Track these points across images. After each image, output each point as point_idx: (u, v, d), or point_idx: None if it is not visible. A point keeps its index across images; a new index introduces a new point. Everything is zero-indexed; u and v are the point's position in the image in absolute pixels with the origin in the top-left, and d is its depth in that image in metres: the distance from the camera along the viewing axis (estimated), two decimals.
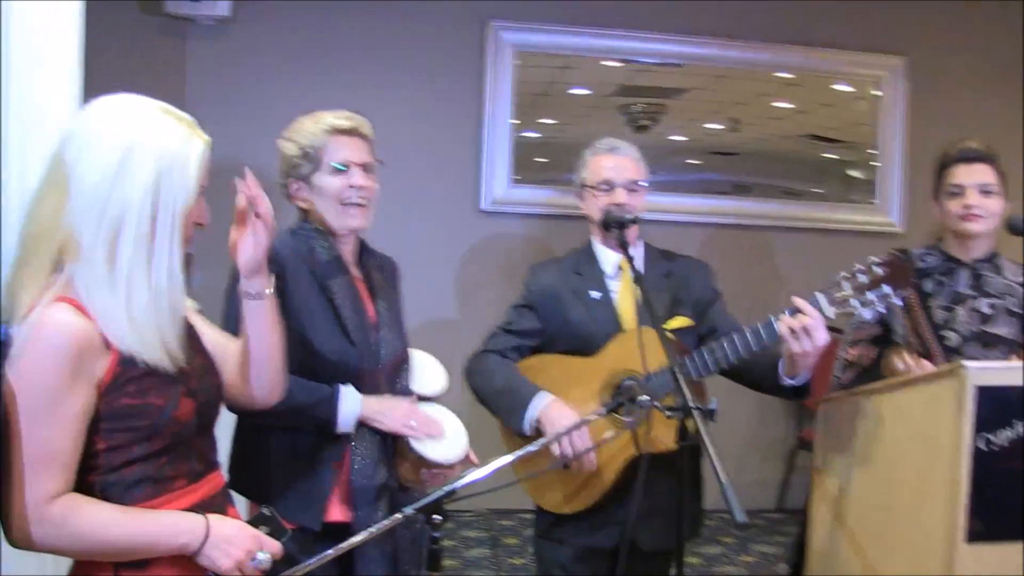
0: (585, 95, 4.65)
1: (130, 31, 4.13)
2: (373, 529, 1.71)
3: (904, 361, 2.36)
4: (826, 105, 4.86)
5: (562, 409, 2.34)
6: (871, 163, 4.84)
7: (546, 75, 4.58)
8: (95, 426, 1.46)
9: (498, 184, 4.47)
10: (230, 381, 1.73)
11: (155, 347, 1.49)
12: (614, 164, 2.51)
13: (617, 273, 2.52)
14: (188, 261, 1.59)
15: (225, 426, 2.31)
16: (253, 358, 1.71)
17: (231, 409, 2.11)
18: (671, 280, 2.52)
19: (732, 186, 4.77)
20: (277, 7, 4.27)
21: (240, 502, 2.23)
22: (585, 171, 2.55)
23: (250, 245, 1.64)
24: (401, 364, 2.24)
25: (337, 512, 2.09)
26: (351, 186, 2.14)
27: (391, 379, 2.21)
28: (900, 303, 2.22)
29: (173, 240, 1.50)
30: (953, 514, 2.00)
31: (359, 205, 2.16)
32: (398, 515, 1.68)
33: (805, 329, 2.12)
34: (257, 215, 1.63)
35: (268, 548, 1.57)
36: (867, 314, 2.15)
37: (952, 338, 2.46)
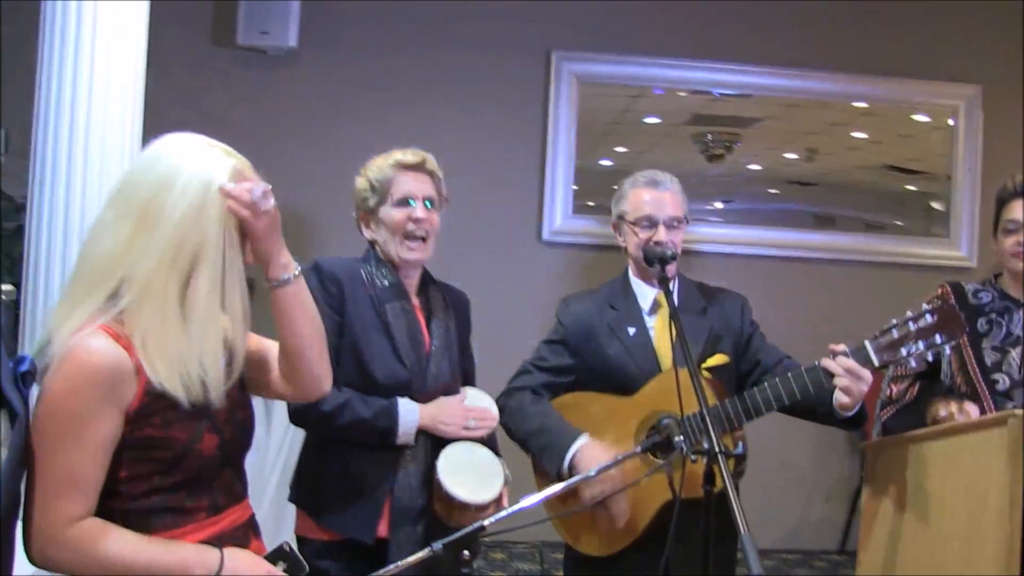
0: (657, 124, 4.64)
1: (203, 63, 4.29)
2: (402, 563, 1.73)
3: (948, 409, 2.28)
4: (904, 136, 4.75)
5: (596, 451, 2.32)
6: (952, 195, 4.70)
7: (620, 104, 4.58)
8: (119, 453, 1.49)
9: (559, 214, 4.49)
10: (276, 383, 1.76)
11: (214, 382, 1.53)
12: (655, 199, 2.45)
13: (654, 308, 2.49)
14: (251, 286, 1.64)
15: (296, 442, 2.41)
16: (290, 348, 1.71)
17: (295, 422, 2.22)
18: (708, 315, 2.48)
19: (814, 217, 4.69)
20: (344, 38, 4.37)
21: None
22: (624, 204, 2.50)
23: (258, 235, 1.63)
24: (448, 393, 2.28)
25: (382, 528, 2.17)
26: (412, 219, 2.25)
27: None
28: (949, 352, 2.16)
29: (239, 272, 1.57)
30: (1007, 567, 1.92)
31: (419, 238, 2.26)
32: (427, 549, 1.70)
33: (850, 371, 2.09)
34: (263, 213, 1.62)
35: None
36: (914, 363, 2.10)
37: (1002, 381, 2.36)
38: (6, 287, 2.47)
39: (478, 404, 2.31)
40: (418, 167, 2.30)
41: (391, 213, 2.26)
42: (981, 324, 2.42)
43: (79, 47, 2.67)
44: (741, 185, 4.63)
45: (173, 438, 1.52)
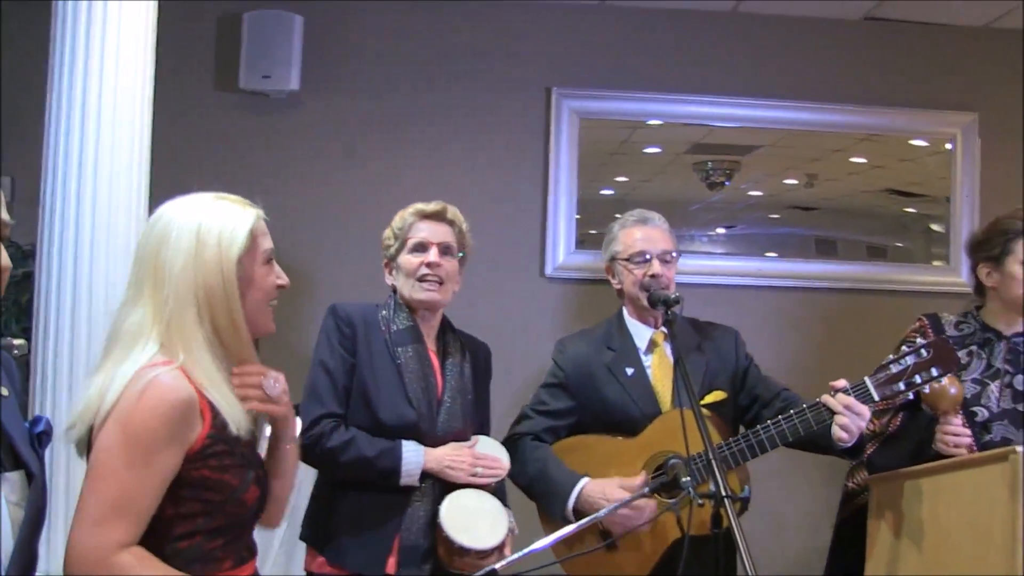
0: (658, 153, 4.69)
1: (206, 107, 4.34)
2: None
3: (940, 383, 2.26)
4: (903, 160, 4.80)
5: (602, 486, 2.34)
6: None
7: (620, 134, 4.62)
8: (172, 491, 1.54)
9: (562, 250, 4.52)
10: None
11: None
12: (646, 236, 2.52)
13: (651, 348, 2.52)
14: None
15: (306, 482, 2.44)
16: (275, 489, 1.79)
17: (302, 459, 2.24)
18: (703, 352, 2.51)
19: (816, 241, 4.73)
20: (345, 81, 4.42)
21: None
22: (616, 244, 2.55)
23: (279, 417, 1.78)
24: (459, 439, 2.31)
25: (391, 565, 2.23)
26: (425, 264, 2.34)
27: None
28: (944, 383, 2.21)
29: (239, 308, 1.64)
30: None
31: (435, 281, 2.34)
32: None
33: (849, 407, 2.13)
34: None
35: None
36: (912, 396, 2.14)
37: (980, 413, 2.39)
38: (17, 341, 2.50)
39: (489, 452, 2.33)
40: (436, 215, 2.39)
41: (407, 258, 2.36)
42: (962, 356, 2.45)
43: (86, 94, 2.72)
44: (743, 211, 4.67)
45: (225, 482, 1.59)
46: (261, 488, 1.67)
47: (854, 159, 4.74)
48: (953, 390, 2.25)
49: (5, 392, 1.44)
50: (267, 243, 1.71)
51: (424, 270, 2.33)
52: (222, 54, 4.36)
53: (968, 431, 2.30)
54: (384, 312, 2.37)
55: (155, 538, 1.55)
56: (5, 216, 1.32)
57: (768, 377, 2.57)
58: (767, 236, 4.69)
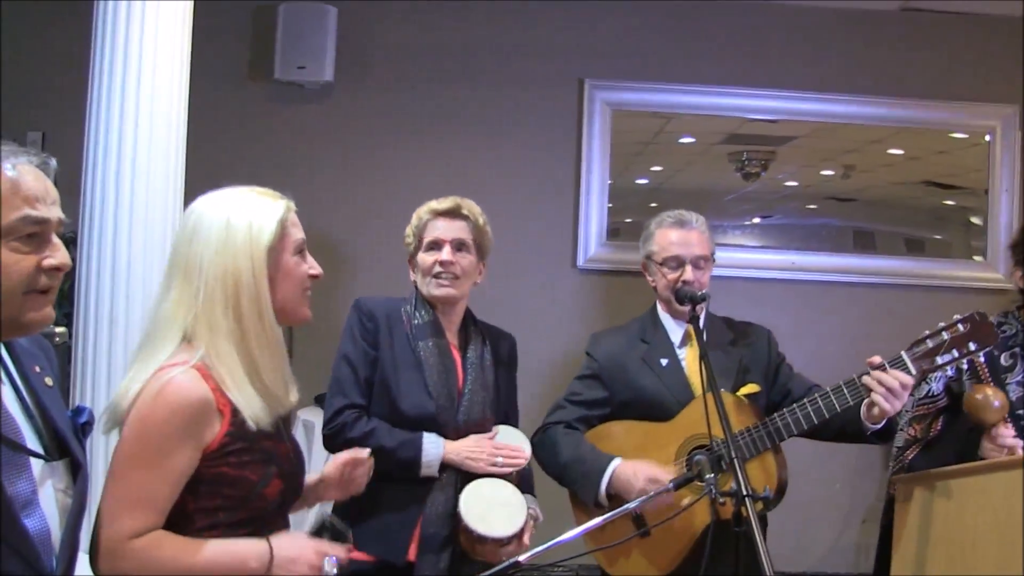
0: (692, 143, 4.68)
1: (241, 98, 4.39)
2: None
3: (984, 393, 2.24)
4: (941, 152, 4.74)
5: (634, 465, 2.35)
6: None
7: (654, 124, 4.62)
8: (192, 486, 1.59)
9: (593, 241, 4.53)
10: None
11: (279, 398, 1.65)
12: (681, 239, 2.51)
13: (684, 341, 2.53)
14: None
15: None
16: None
17: (327, 448, 2.34)
18: (737, 348, 2.52)
19: (853, 233, 4.70)
20: (379, 72, 4.45)
21: None
22: (652, 244, 2.55)
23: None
24: (480, 430, 2.33)
25: (411, 552, 2.27)
26: (439, 262, 2.37)
27: None
28: (984, 360, 2.19)
29: (268, 298, 1.66)
30: None
31: (447, 277, 2.36)
32: None
33: (902, 386, 2.12)
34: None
35: (334, 555, 1.69)
36: (951, 371, 2.13)
37: None
38: (59, 328, 2.55)
39: (510, 442, 2.36)
40: (450, 212, 2.42)
41: (423, 257, 2.41)
42: (1004, 358, 2.41)
43: (125, 86, 2.77)
44: (779, 202, 4.65)
45: (245, 478, 1.62)
46: (286, 480, 1.69)
47: (891, 151, 4.70)
48: (997, 403, 2.21)
49: (50, 382, 1.48)
50: (298, 233, 1.73)
51: (438, 268, 2.38)
52: (257, 45, 4.41)
53: (1019, 439, 2.24)
54: (407, 307, 2.42)
55: (180, 529, 1.60)
56: (60, 214, 1.36)
57: (800, 375, 2.58)
58: (803, 227, 4.67)
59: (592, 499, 2.40)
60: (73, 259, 3.11)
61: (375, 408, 2.32)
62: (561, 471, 2.48)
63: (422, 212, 2.45)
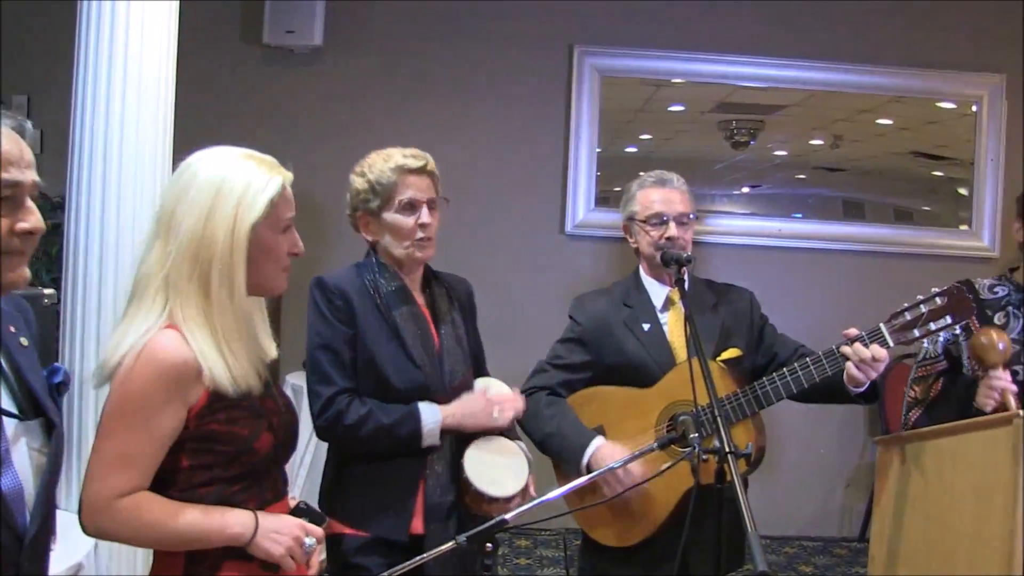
0: (682, 112, 4.68)
1: (230, 61, 4.38)
2: (427, 555, 1.81)
3: (989, 335, 2.25)
4: (930, 122, 4.76)
5: (611, 450, 2.38)
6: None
7: (644, 92, 4.62)
8: (183, 445, 1.60)
9: (582, 207, 4.54)
10: None
11: (246, 368, 1.63)
12: (664, 197, 2.50)
13: (666, 305, 2.55)
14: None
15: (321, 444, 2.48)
16: None
17: (322, 438, 2.27)
18: (719, 311, 2.53)
19: (843, 203, 4.73)
20: (368, 36, 4.44)
21: None
22: (634, 204, 2.54)
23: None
24: (467, 389, 2.32)
25: (417, 525, 2.20)
26: (419, 224, 2.23)
27: None
28: (961, 333, 2.23)
29: (243, 276, 1.63)
30: (1008, 567, 1.95)
31: (427, 240, 2.26)
32: (452, 543, 1.77)
33: (875, 359, 2.16)
34: None
35: (313, 533, 1.72)
36: (927, 344, 2.16)
37: (1021, 372, 2.39)
38: (48, 291, 2.55)
39: (500, 392, 2.33)
40: (421, 171, 2.26)
41: (397, 219, 2.23)
42: (998, 318, 2.44)
43: (113, 48, 2.74)
44: (768, 171, 4.67)
45: (235, 434, 1.63)
46: (276, 434, 1.69)
47: (880, 121, 4.71)
48: (1002, 345, 2.23)
49: (25, 342, 1.48)
50: (287, 212, 1.69)
51: (420, 232, 2.22)
52: (247, 9, 4.40)
53: (1013, 385, 2.27)
54: (368, 276, 2.25)
55: (177, 487, 1.62)
56: (36, 177, 1.35)
57: (785, 336, 2.59)
58: (792, 196, 4.70)
59: (573, 472, 2.40)
60: (61, 223, 3.13)
61: (363, 387, 2.21)
62: (543, 441, 2.48)
63: (385, 168, 2.23)
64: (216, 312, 1.60)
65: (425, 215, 2.24)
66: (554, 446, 2.47)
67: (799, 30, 4.56)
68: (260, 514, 1.66)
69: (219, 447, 1.62)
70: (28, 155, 1.35)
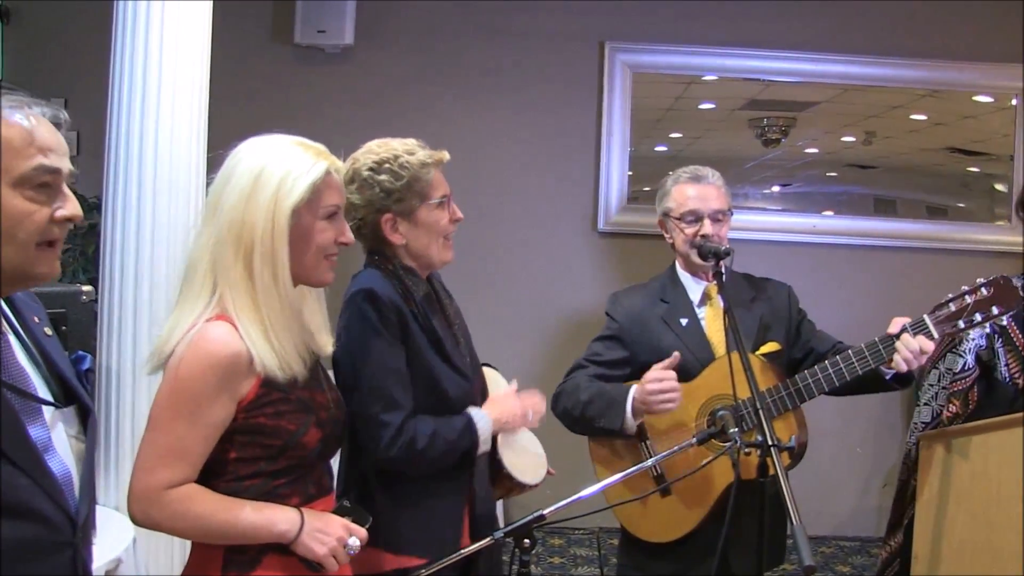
0: (712, 109, 4.64)
1: (262, 61, 4.40)
2: (464, 552, 1.80)
3: None
4: (966, 117, 4.68)
5: (653, 376, 2.33)
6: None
7: (674, 90, 4.59)
8: (231, 437, 1.61)
9: (614, 204, 4.52)
10: None
11: (291, 355, 1.62)
12: (698, 194, 2.48)
13: (704, 300, 2.52)
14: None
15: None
16: None
17: (388, 466, 2.03)
18: (757, 305, 2.51)
19: (875, 201, 4.66)
20: (399, 34, 4.45)
21: None
22: (669, 200, 2.53)
23: None
24: (482, 381, 2.29)
25: (465, 540, 2.09)
26: (453, 219, 2.12)
27: (484, 396, 2.26)
28: (996, 336, 2.20)
29: (286, 260, 1.63)
30: None
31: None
32: (489, 538, 1.77)
33: (922, 351, 2.14)
34: None
35: (356, 534, 1.71)
36: (972, 334, 2.13)
37: None
38: (86, 288, 2.58)
39: (500, 386, 2.31)
40: (440, 164, 2.12)
41: (437, 215, 2.08)
42: None
43: (148, 50, 2.77)
44: (799, 169, 4.62)
45: (283, 428, 1.63)
46: (325, 429, 1.69)
47: (914, 116, 4.64)
48: None
49: (49, 331, 1.49)
50: (332, 198, 1.67)
51: (452, 228, 2.10)
52: (278, 9, 4.42)
53: None
54: (397, 283, 2.05)
55: (223, 478, 1.63)
56: (71, 167, 1.36)
57: (823, 332, 2.57)
58: (824, 194, 4.64)
59: (619, 424, 2.36)
60: (97, 223, 3.15)
61: (420, 400, 2.04)
62: (584, 407, 2.44)
63: (414, 161, 2.05)
64: (261, 297, 1.60)
65: (456, 210, 2.14)
66: (593, 409, 2.42)
67: (831, 23, 4.50)
68: (306, 512, 1.67)
69: (266, 440, 1.63)
70: (63, 143, 1.37)
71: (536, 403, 2.25)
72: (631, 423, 2.37)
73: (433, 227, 2.09)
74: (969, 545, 2.19)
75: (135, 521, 1.60)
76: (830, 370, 2.30)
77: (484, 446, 2.11)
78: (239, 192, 1.61)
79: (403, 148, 2.09)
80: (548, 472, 2.28)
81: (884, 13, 4.51)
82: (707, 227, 2.45)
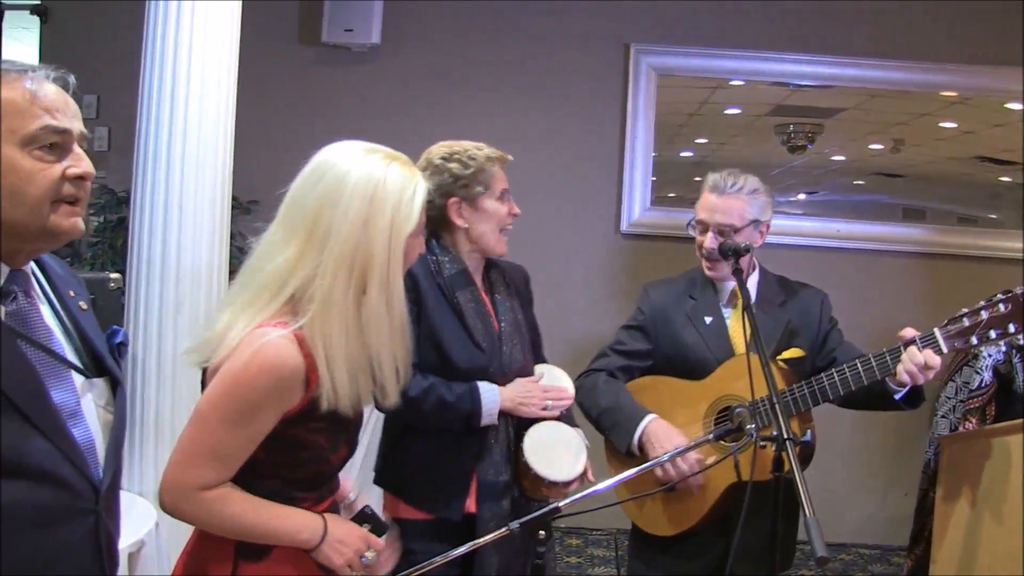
0: (738, 115, 4.63)
1: (289, 60, 4.46)
2: (480, 541, 1.82)
3: None
4: (996, 125, 4.62)
5: (666, 429, 2.38)
6: None
7: (699, 95, 4.58)
8: (265, 442, 1.60)
9: (637, 206, 4.53)
10: None
11: (363, 395, 1.61)
12: (710, 205, 2.46)
13: (731, 300, 2.53)
14: None
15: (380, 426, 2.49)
16: None
17: (383, 410, 2.22)
18: (787, 309, 2.50)
19: (903, 210, 4.61)
20: (425, 34, 4.48)
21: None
22: (697, 205, 2.54)
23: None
24: (523, 373, 2.36)
25: (470, 504, 2.26)
26: (511, 213, 2.35)
27: None
28: (1015, 351, 2.15)
29: (401, 282, 1.62)
30: None
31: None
32: (505, 528, 1.78)
33: (927, 366, 2.10)
34: None
35: (374, 546, 1.73)
36: (985, 351, 2.09)
37: None
38: (114, 275, 2.63)
39: (555, 383, 2.38)
40: (503, 163, 2.37)
41: (497, 206, 2.32)
42: None
43: (177, 49, 2.82)
44: (825, 176, 4.58)
45: (316, 443, 1.64)
46: (350, 446, 1.72)
47: (943, 124, 4.59)
48: None
49: (84, 306, 1.51)
50: (424, 216, 1.67)
51: (510, 220, 2.35)
52: (306, 8, 4.46)
53: None
54: (430, 257, 2.31)
55: (242, 475, 1.62)
56: (83, 128, 1.38)
57: (849, 343, 2.54)
58: (850, 203, 4.60)
59: (624, 447, 2.43)
60: (126, 217, 3.21)
61: (425, 363, 2.25)
62: (599, 416, 2.51)
63: (481, 156, 2.31)
64: (373, 329, 1.58)
65: (514, 205, 2.37)
66: (607, 421, 2.49)
67: (858, 27, 4.47)
68: (329, 521, 1.67)
69: (299, 452, 1.63)
70: (73, 105, 1.39)
71: (558, 393, 2.29)
72: (635, 449, 2.43)
73: (493, 216, 2.33)
74: (988, 547, 2.17)
75: (164, 509, 1.60)
76: (836, 377, 2.26)
77: (488, 418, 2.24)
78: (353, 218, 1.56)
79: (472, 144, 2.36)
80: (585, 474, 2.28)
81: (912, 17, 4.47)
82: (708, 240, 2.45)
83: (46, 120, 1.33)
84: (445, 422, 2.24)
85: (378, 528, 1.77)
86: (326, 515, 1.68)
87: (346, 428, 1.69)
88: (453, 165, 2.30)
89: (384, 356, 1.61)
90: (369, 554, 1.71)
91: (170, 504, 1.59)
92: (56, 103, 1.35)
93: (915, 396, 2.25)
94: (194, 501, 1.57)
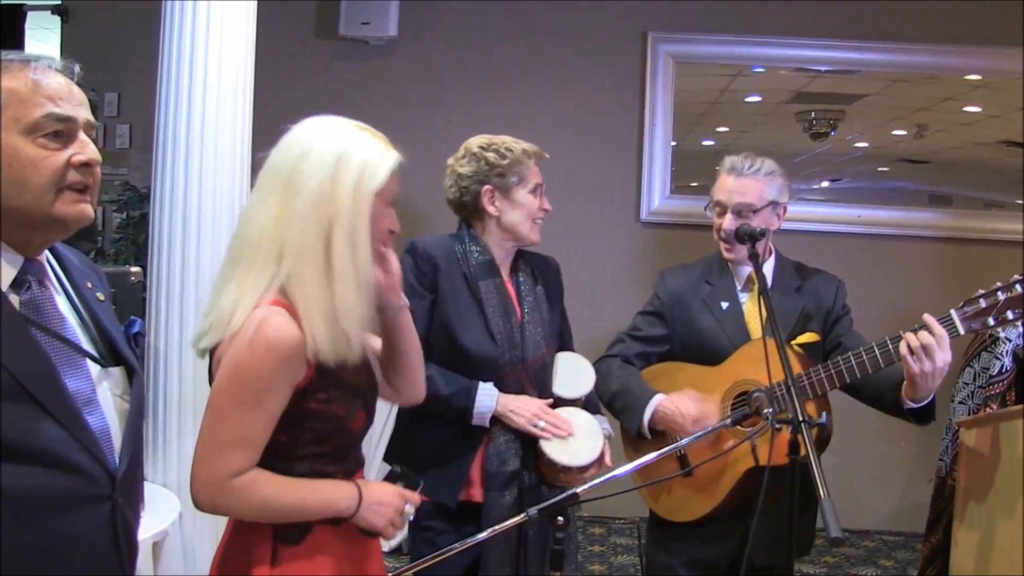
0: (759, 102, 4.60)
1: (307, 54, 4.49)
2: (498, 528, 1.83)
3: None
4: (1022, 108, 4.56)
5: (676, 402, 2.38)
6: None
7: (720, 83, 4.56)
8: (282, 420, 1.61)
9: (657, 194, 4.52)
10: (384, 389, 1.87)
11: (355, 339, 1.61)
12: (728, 186, 2.45)
13: (747, 286, 2.52)
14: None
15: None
16: (400, 367, 1.85)
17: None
18: (801, 295, 2.48)
19: (928, 197, 4.56)
20: (442, 26, 4.49)
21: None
22: (714, 186, 2.53)
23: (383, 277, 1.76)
24: (546, 363, 2.37)
25: (475, 493, 2.28)
26: (542, 208, 2.40)
27: (538, 377, 2.37)
28: None
29: (368, 238, 1.63)
30: None
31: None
32: (522, 515, 1.79)
33: (925, 348, 2.06)
34: None
35: (411, 501, 1.75)
36: (1002, 332, 2.06)
37: None
38: (134, 269, 2.67)
39: (569, 368, 2.41)
40: (539, 159, 2.43)
41: (530, 199, 2.38)
42: None
43: (194, 46, 2.85)
44: (848, 163, 4.55)
45: (332, 413, 1.65)
46: (368, 412, 1.73)
47: (968, 108, 4.53)
48: None
49: (101, 297, 1.52)
50: (395, 186, 1.69)
51: (541, 213, 2.40)
52: (322, 3, 4.48)
53: None
54: (459, 246, 2.37)
55: (271, 458, 1.63)
56: (89, 116, 1.39)
57: (859, 333, 2.51)
58: (874, 190, 4.56)
59: (634, 428, 2.43)
60: (147, 212, 3.24)
61: (436, 348, 2.29)
62: (610, 400, 2.52)
63: (517, 149, 2.38)
64: (338, 276, 1.59)
65: (547, 201, 2.43)
66: (618, 404, 2.50)
67: (878, 10, 4.43)
68: (363, 485, 1.69)
69: (317, 425, 1.64)
70: (78, 93, 1.39)
71: (555, 420, 2.30)
72: (646, 431, 2.42)
73: (525, 207, 2.38)
74: (1010, 531, 2.15)
75: (200, 507, 1.61)
76: (852, 361, 2.22)
77: (479, 419, 2.27)
78: (323, 170, 1.59)
79: (510, 138, 2.42)
80: (602, 459, 2.29)
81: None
82: (727, 221, 2.43)
83: (49, 108, 1.33)
84: (438, 413, 2.26)
85: (412, 483, 1.78)
86: (358, 480, 1.70)
87: (359, 394, 1.70)
88: (490, 154, 2.37)
89: (349, 304, 1.60)
90: (408, 509, 1.73)
91: (207, 500, 1.59)
92: (60, 91, 1.35)
93: (925, 413, 2.19)
94: (228, 492, 1.58)
